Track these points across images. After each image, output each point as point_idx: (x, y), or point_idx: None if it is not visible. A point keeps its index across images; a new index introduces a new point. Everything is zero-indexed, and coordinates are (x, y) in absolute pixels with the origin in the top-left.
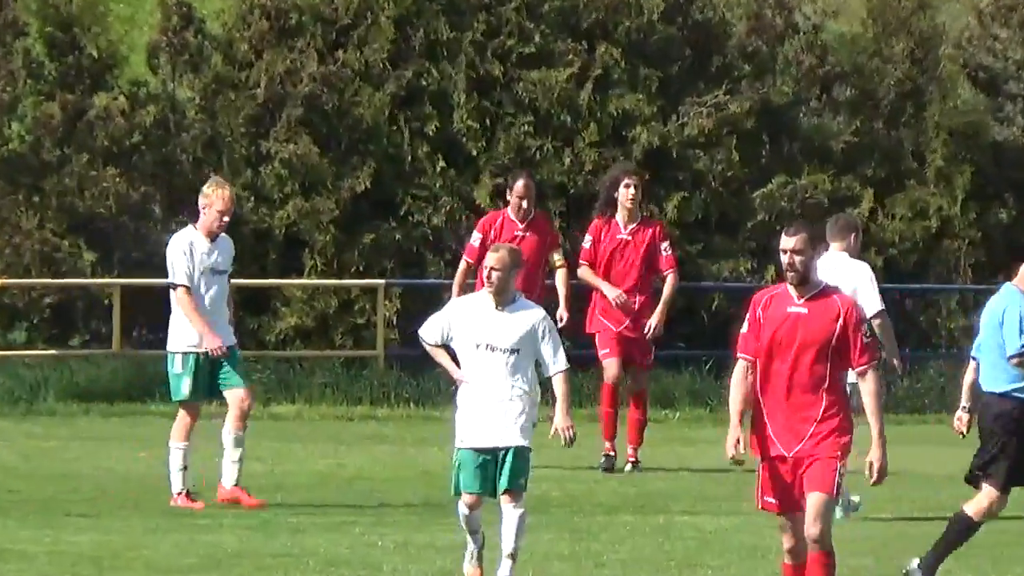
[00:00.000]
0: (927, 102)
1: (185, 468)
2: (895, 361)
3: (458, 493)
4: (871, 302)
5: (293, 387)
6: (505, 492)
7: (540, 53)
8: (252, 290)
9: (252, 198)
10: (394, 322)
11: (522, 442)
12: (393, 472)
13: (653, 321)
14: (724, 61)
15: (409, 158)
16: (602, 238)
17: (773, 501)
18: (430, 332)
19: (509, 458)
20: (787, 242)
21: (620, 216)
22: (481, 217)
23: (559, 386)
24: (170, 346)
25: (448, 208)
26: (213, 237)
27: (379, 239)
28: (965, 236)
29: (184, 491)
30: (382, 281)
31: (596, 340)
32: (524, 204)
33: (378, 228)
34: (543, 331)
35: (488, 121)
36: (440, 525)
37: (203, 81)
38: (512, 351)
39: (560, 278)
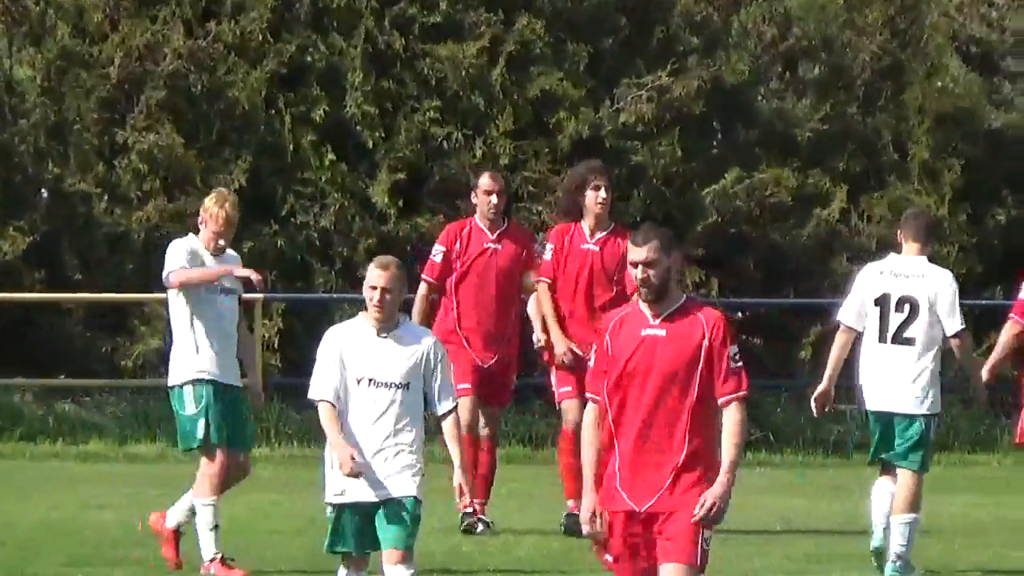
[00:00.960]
0: (909, 82)
1: (216, 527)
2: (979, 390)
3: (334, 552)
4: (952, 319)
5: (153, 422)
6: (391, 551)
7: (448, 24)
8: (105, 307)
9: (105, 197)
10: (275, 344)
11: (412, 493)
12: (273, 524)
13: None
14: (667, 33)
15: (291, 149)
16: (565, 247)
17: (619, 565)
18: (321, 387)
19: (396, 512)
20: (636, 253)
21: (586, 223)
22: (444, 228)
23: (450, 431)
24: (173, 378)
25: (338, 208)
26: (217, 254)
27: (256, 245)
28: (955, 241)
29: (219, 556)
30: (260, 295)
31: (553, 374)
32: (494, 201)
33: (255, 233)
34: (435, 361)
35: (387, 105)
36: None
37: (46, 57)
38: (400, 386)
39: (536, 300)
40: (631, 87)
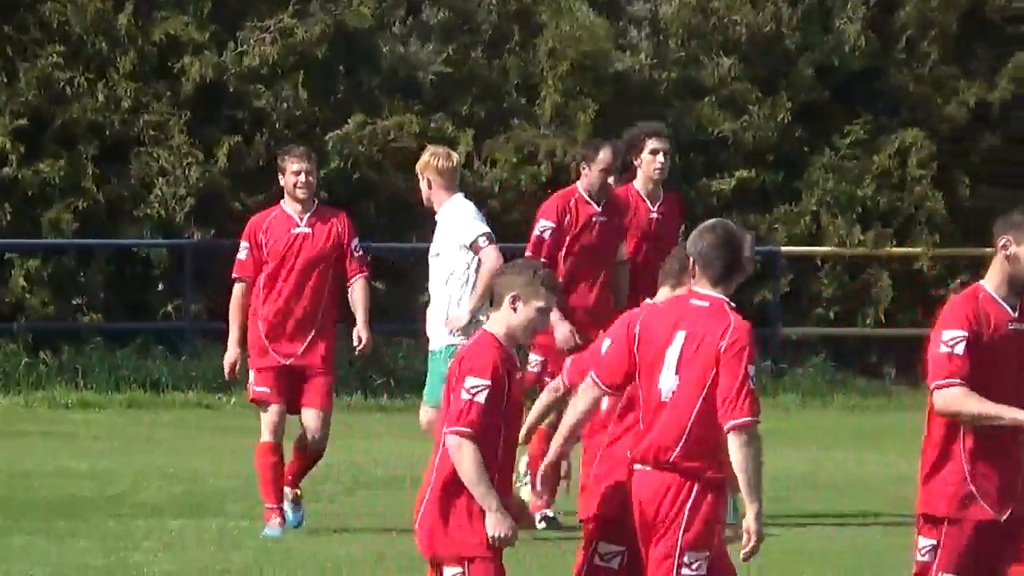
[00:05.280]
0: (539, 26)
1: None
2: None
3: None
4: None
5: None
6: None
7: None
8: None
9: None
10: None
11: None
12: None
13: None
14: None
15: None
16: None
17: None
18: None
19: None
20: None
21: (641, 189)
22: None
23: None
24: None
25: None
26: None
27: None
28: None
29: None
30: None
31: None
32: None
33: None
34: None
35: (8, 50)
36: None
37: None
38: None
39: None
40: (254, 30)
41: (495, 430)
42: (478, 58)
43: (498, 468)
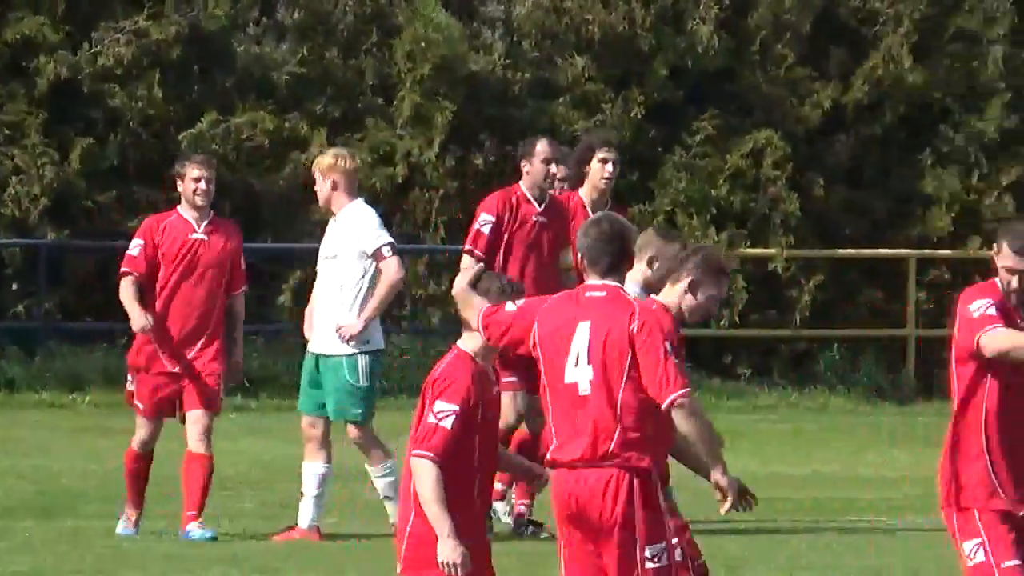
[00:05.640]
0: (396, 28)
1: None
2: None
3: None
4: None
5: None
6: None
7: None
8: None
9: None
10: None
11: None
12: None
13: None
14: None
15: None
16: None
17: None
18: None
19: None
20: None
21: (587, 198)
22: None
23: None
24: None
25: None
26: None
27: None
28: (440, 186)
29: None
30: None
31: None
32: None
33: None
34: None
35: None
36: None
37: None
38: None
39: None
40: (109, 31)
41: (467, 452)
42: (333, 58)
43: (477, 483)
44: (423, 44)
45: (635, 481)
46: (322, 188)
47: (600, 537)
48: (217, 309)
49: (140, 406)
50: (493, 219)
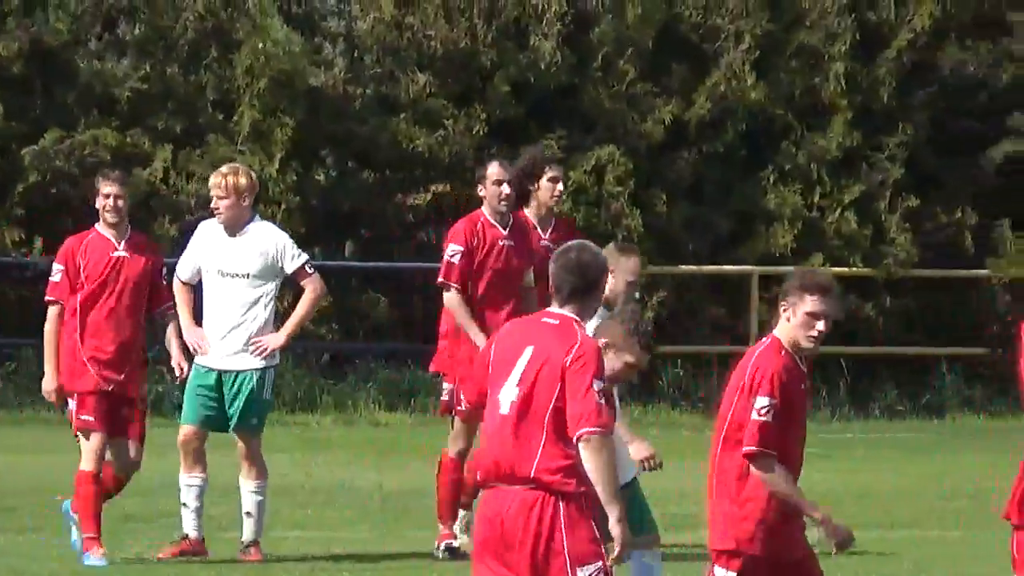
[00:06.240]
0: (236, 43)
1: None
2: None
3: None
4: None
5: None
6: None
7: None
8: None
9: None
10: None
11: None
12: None
13: None
14: None
15: None
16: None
17: None
18: None
19: None
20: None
21: (533, 215)
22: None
23: None
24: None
25: None
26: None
27: None
28: (281, 201)
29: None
30: None
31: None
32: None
33: None
34: None
35: None
36: None
37: None
38: None
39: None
40: None
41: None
42: (175, 74)
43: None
44: (262, 59)
45: (561, 504)
46: (237, 207)
47: (521, 554)
48: (142, 328)
49: (86, 424)
50: (462, 248)
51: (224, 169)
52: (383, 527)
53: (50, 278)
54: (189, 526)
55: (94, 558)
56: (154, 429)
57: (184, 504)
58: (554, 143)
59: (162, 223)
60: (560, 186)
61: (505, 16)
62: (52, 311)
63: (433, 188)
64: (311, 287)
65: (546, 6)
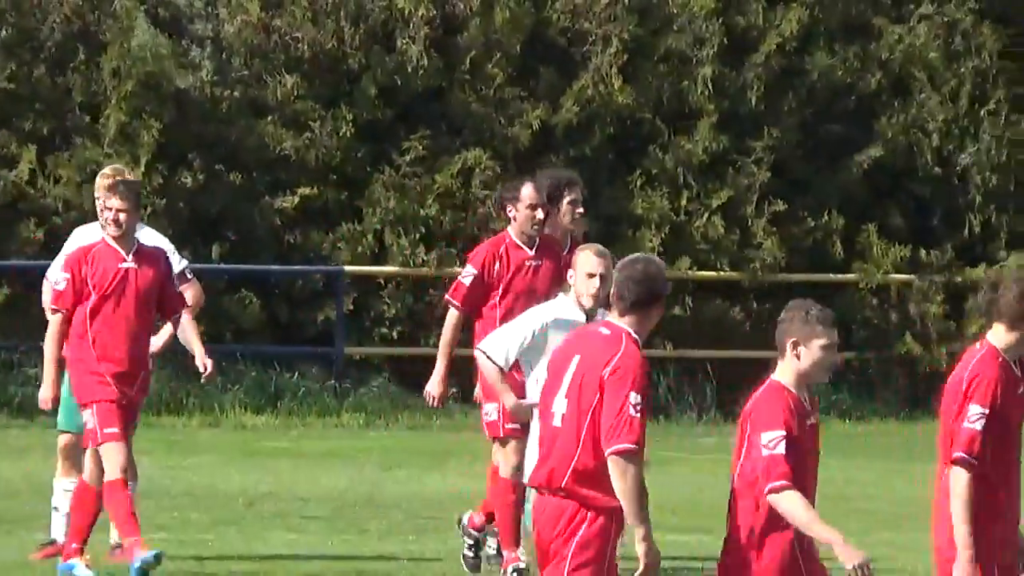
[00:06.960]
0: (103, 45)
1: None
2: None
3: None
4: None
5: None
6: None
7: None
8: None
9: None
10: None
11: None
12: None
13: None
14: None
15: None
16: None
17: None
18: None
19: None
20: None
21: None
22: None
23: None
24: None
25: None
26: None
27: None
28: (148, 205)
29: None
30: None
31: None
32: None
33: None
34: None
35: None
36: None
37: None
38: None
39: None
40: None
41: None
42: (42, 75)
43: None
44: (128, 61)
45: (587, 515)
46: (135, 214)
47: (545, 562)
48: (148, 338)
49: (112, 436)
50: (476, 272)
51: (109, 171)
52: (249, 530)
53: (53, 286)
54: (60, 531)
55: (143, 553)
56: (12, 431)
57: (55, 508)
58: (419, 146)
59: (27, 225)
60: (580, 208)
61: (372, 19)
62: (55, 319)
63: (300, 191)
64: (193, 292)
65: (413, 9)
